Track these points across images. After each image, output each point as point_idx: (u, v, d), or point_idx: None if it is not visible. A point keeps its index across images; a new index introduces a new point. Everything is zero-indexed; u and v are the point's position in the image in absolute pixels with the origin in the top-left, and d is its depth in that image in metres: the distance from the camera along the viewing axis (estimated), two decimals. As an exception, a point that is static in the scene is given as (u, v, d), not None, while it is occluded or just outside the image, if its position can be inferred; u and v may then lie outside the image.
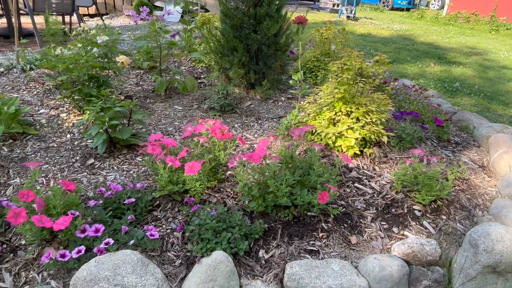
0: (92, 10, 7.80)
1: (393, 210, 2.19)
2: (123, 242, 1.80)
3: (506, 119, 4.44)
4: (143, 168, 2.46)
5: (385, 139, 2.64)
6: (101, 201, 1.97)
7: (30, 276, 1.70)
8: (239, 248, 1.80)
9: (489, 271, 1.73)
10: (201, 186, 2.05)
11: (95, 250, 1.69)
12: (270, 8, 3.32)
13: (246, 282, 1.74)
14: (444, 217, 2.18)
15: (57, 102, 3.38)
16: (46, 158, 2.55)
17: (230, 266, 1.70)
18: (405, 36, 10.12)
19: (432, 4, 17.59)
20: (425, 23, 13.49)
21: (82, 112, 3.14)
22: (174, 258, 1.82)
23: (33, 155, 2.57)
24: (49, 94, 3.56)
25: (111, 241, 1.71)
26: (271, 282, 1.75)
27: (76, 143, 2.75)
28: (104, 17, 8.27)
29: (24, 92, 3.59)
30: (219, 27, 3.51)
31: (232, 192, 2.24)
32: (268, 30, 3.30)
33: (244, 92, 3.66)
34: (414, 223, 2.11)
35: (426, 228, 2.08)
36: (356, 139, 2.58)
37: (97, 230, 1.77)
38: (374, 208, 2.20)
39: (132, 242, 1.78)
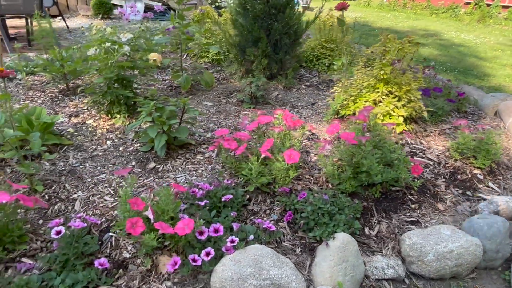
0: (53, 11, 7.16)
1: (459, 176, 2.38)
2: (242, 238, 1.75)
3: (486, 90, 4.94)
4: (210, 166, 2.38)
5: (425, 114, 2.82)
6: (207, 201, 1.89)
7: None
8: (355, 227, 1.84)
9: None
10: (294, 174, 2.05)
11: (223, 249, 1.64)
12: (289, -2, 3.34)
13: (368, 259, 1.80)
14: (499, 177, 2.41)
15: (71, 109, 3.11)
16: (98, 168, 2.36)
17: (356, 245, 1.75)
18: (363, 23, 10.66)
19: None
20: (372, 10, 14.31)
21: (111, 116, 2.92)
22: (292, 247, 1.82)
23: (81, 166, 2.36)
24: (58, 102, 3.26)
25: (236, 239, 1.66)
26: (391, 255, 1.83)
27: (121, 149, 2.57)
28: (57, 18, 7.63)
29: (26, 102, 3.24)
30: (238, 19, 3.46)
31: (312, 178, 2.27)
32: (290, 19, 3.32)
33: (264, 83, 3.66)
34: (481, 186, 2.31)
35: (492, 188, 2.29)
36: (403, 116, 2.73)
37: (216, 230, 1.70)
38: (442, 177, 2.36)
39: (252, 237, 1.75)
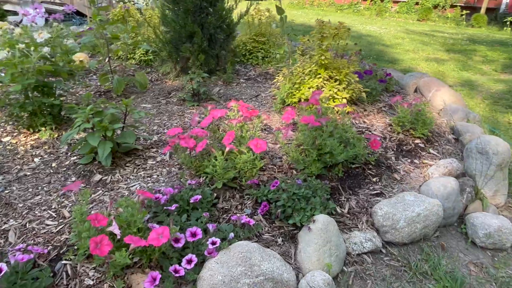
0: None
1: (404, 147, 2.55)
2: (221, 239, 1.62)
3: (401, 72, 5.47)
4: (165, 170, 2.18)
5: (364, 95, 2.99)
6: (176, 205, 1.70)
7: (132, 312, 1.39)
8: (330, 208, 1.84)
9: (498, 169, 2.24)
10: (261, 164, 1.97)
11: (205, 253, 1.49)
12: (220, -10, 3.26)
13: (347, 236, 1.81)
14: (436, 144, 2.66)
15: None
16: (30, 190, 1.99)
17: (336, 225, 1.74)
18: (278, 20, 11.06)
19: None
20: (284, 7, 14.95)
21: (34, 130, 2.51)
22: (273, 238, 1.74)
23: (7, 191, 1.98)
24: (-43, 121, 2.69)
25: (217, 240, 1.53)
26: (366, 229, 1.87)
27: (54, 165, 2.22)
28: None
29: None
30: (168, 15, 3.25)
31: (276, 167, 2.22)
32: (223, 11, 3.24)
33: (202, 80, 3.52)
34: (424, 153, 2.51)
35: (434, 154, 2.51)
36: (346, 98, 2.85)
37: (193, 234, 1.55)
38: (391, 149, 2.51)
39: (232, 235, 1.63)
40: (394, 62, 6.24)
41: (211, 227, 1.65)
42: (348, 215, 1.93)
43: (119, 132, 2.27)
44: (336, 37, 2.88)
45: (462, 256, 1.88)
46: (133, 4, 4.97)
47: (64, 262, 1.55)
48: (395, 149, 2.53)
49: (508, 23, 10.60)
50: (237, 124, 2.17)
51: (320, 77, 2.89)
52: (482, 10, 11.67)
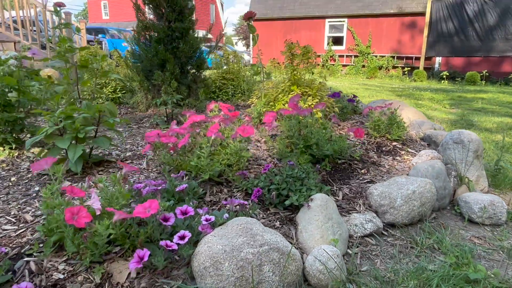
0: None
1: (384, 148, 2.58)
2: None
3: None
4: (143, 176, 2.01)
5: (336, 109, 3.08)
6: (164, 185, 1.53)
7: (113, 302, 1.14)
8: (325, 190, 1.75)
9: (475, 156, 2.30)
10: (248, 154, 1.88)
11: (200, 228, 1.32)
12: (190, 23, 3.41)
13: (346, 218, 1.71)
14: (411, 146, 2.73)
15: None
16: (-16, 201, 1.72)
17: (334, 203, 1.64)
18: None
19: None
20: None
21: (-8, 150, 2.26)
22: (269, 222, 1.60)
23: (-46, 203, 1.69)
24: None
25: (212, 217, 1.37)
26: (365, 210, 1.78)
27: (13, 179, 1.97)
28: None
29: None
30: (140, 43, 3.30)
31: (261, 167, 2.12)
32: (194, 41, 3.35)
33: (175, 104, 3.49)
34: (403, 152, 2.55)
35: (412, 152, 2.56)
36: (322, 111, 2.91)
37: (184, 213, 1.37)
38: (371, 151, 2.53)
39: (226, 215, 1.46)
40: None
41: (201, 210, 1.48)
42: (344, 200, 1.84)
43: (90, 141, 2.10)
44: (304, 56, 3.04)
45: (463, 232, 1.82)
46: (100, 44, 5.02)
47: (26, 259, 1.29)
48: (375, 150, 2.55)
49: (444, 77, 11.94)
50: (220, 123, 2.10)
51: (294, 93, 2.96)
52: (421, 68, 13.12)
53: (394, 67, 14.07)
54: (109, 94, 3.96)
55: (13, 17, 7.07)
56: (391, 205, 1.76)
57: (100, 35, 14.33)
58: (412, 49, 13.67)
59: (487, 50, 11.58)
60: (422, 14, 12.80)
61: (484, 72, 11.75)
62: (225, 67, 4.53)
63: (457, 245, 1.66)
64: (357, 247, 1.61)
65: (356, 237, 1.66)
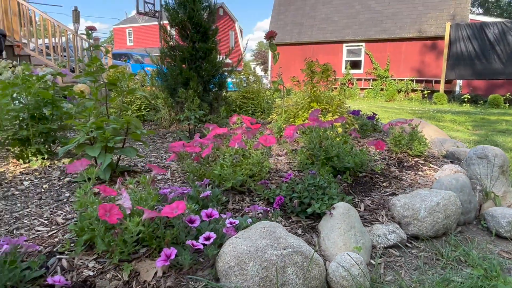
0: None
1: (405, 164, 2.57)
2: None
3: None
4: (167, 185, 2.07)
5: (356, 125, 3.10)
6: (189, 189, 1.57)
7: (141, 299, 1.17)
8: (347, 200, 1.75)
9: (500, 171, 2.26)
10: (269, 164, 1.92)
11: (224, 230, 1.35)
12: (213, 43, 3.56)
13: (369, 229, 1.70)
14: (434, 162, 2.70)
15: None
16: (18, 205, 1.81)
17: (357, 212, 1.64)
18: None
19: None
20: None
21: (24, 161, 2.38)
22: (291, 229, 1.60)
23: (-8, 206, 1.78)
24: None
25: (236, 220, 1.40)
26: (388, 221, 1.76)
27: (45, 186, 2.06)
28: None
29: None
30: (166, 62, 3.46)
31: (281, 179, 2.15)
32: (216, 61, 3.48)
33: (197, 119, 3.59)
34: (425, 167, 2.53)
35: (434, 168, 2.53)
36: (342, 125, 2.94)
37: (209, 215, 1.41)
38: (393, 165, 2.52)
39: (250, 220, 1.49)
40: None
41: (225, 215, 1.51)
42: (366, 212, 1.83)
43: (118, 151, 2.19)
44: (324, 73, 3.10)
45: (491, 246, 1.77)
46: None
47: (58, 257, 1.34)
48: (396, 165, 2.53)
49: (466, 100, 11.77)
50: (242, 135, 2.16)
51: (313, 110, 3.01)
52: (441, 90, 13.00)
53: (413, 90, 13.99)
54: (134, 112, 4.11)
55: (45, 43, 7.54)
56: (414, 216, 1.74)
57: (127, 60, 15.03)
58: (432, 72, 13.62)
59: (510, 73, 11.40)
60: (442, 37, 12.82)
61: (507, 95, 11.53)
62: (245, 86, 4.65)
63: (485, 258, 1.61)
64: (381, 257, 1.59)
65: (379, 248, 1.64)
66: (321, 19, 15.72)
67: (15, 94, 2.34)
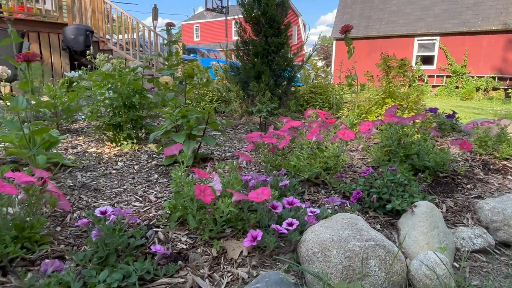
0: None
1: (491, 166, 2.38)
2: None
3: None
4: (244, 172, 2.17)
5: (434, 124, 2.94)
6: (271, 177, 1.66)
7: (229, 275, 1.27)
8: (429, 199, 1.70)
9: None
10: (345, 159, 1.92)
11: (306, 218, 1.39)
12: (285, 38, 3.60)
13: (452, 230, 1.62)
14: (524, 166, 2.46)
15: (65, 145, 2.80)
16: (115, 182, 2.04)
17: (440, 212, 1.59)
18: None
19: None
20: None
21: (116, 144, 2.66)
22: (369, 224, 1.60)
23: (95, 182, 2.03)
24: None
25: (316, 209, 1.44)
26: (473, 224, 1.67)
27: (136, 167, 2.29)
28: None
29: None
30: (239, 56, 3.60)
31: (356, 174, 2.14)
32: (287, 55, 3.52)
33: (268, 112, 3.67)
34: (515, 172, 2.32)
35: (526, 173, 2.31)
36: (422, 122, 2.81)
37: (290, 203, 1.47)
38: (477, 168, 2.36)
39: (329, 211, 1.52)
40: (447, 124, 6.17)
41: (303, 205, 1.56)
42: (449, 213, 1.75)
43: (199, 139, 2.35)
44: (401, 68, 2.98)
45: None
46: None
47: (155, 229, 1.50)
48: (481, 168, 2.36)
49: (559, 100, 10.41)
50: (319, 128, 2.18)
51: (388, 106, 2.92)
52: (528, 90, 11.64)
53: (494, 89, 12.72)
54: (206, 104, 4.33)
55: (126, 39, 8.20)
56: (505, 222, 1.63)
57: (192, 54, 15.78)
58: (517, 68, 12.25)
59: None
60: (532, 30, 11.44)
61: None
62: (313, 81, 4.64)
63: None
64: (466, 261, 1.52)
65: (463, 251, 1.56)
66: (391, 11, 14.94)
67: (109, 85, 2.62)
